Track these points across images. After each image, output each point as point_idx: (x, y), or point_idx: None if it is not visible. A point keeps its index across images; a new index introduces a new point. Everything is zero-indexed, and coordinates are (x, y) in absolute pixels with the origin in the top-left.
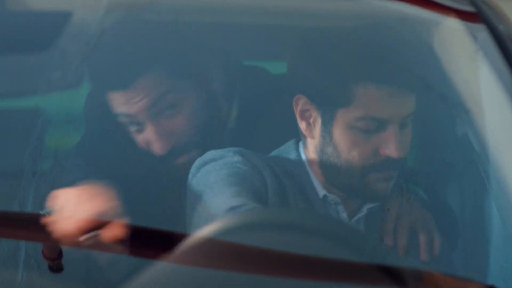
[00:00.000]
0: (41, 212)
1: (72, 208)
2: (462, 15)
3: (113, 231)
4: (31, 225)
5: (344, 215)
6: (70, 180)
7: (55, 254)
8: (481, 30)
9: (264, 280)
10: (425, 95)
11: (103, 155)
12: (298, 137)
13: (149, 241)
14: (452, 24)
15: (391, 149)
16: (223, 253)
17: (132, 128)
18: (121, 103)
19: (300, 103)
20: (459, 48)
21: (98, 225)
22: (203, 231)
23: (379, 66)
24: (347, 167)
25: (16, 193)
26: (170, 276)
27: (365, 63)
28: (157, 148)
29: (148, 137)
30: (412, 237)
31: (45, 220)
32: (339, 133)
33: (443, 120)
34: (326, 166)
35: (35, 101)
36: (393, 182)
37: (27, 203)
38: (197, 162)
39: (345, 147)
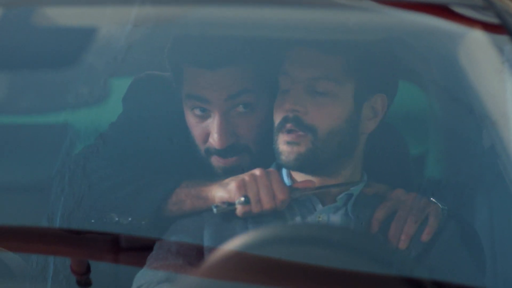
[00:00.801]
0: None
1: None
2: (487, 27)
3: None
4: (60, 240)
5: (318, 207)
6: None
7: (83, 269)
8: (507, 42)
9: None
10: (451, 107)
11: (141, 137)
12: None
13: (175, 254)
14: (478, 36)
15: (288, 108)
16: (248, 266)
17: (196, 111)
18: (200, 84)
19: None
20: (484, 60)
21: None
22: (229, 245)
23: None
24: (273, 134)
25: (45, 208)
26: None
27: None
28: (216, 140)
29: (211, 126)
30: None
31: (74, 235)
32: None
33: (469, 132)
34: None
35: (63, 116)
36: (303, 149)
37: (55, 218)
38: None
39: (274, 115)
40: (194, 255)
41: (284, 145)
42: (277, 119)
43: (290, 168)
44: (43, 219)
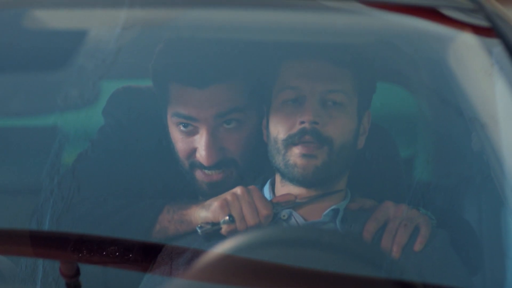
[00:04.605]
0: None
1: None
2: (477, 30)
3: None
4: (49, 242)
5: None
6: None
7: (72, 272)
8: (497, 45)
9: None
10: (440, 109)
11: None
12: None
13: (166, 257)
14: (467, 39)
15: (306, 119)
16: (239, 269)
17: (182, 127)
18: (188, 102)
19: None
20: (474, 63)
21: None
22: (219, 248)
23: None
24: (276, 145)
25: (34, 211)
26: None
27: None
28: (204, 157)
29: (198, 143)
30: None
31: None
32: (271, 116)
33: (459, 134)
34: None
35: (53, 119)
36: (320, 162)
37: (44, 221)
38: None
39: (273, 127)
40: (189, 258)
41: (299, 158)
42: (286, 131)
43: (303, 182)
44: (32, 221)
